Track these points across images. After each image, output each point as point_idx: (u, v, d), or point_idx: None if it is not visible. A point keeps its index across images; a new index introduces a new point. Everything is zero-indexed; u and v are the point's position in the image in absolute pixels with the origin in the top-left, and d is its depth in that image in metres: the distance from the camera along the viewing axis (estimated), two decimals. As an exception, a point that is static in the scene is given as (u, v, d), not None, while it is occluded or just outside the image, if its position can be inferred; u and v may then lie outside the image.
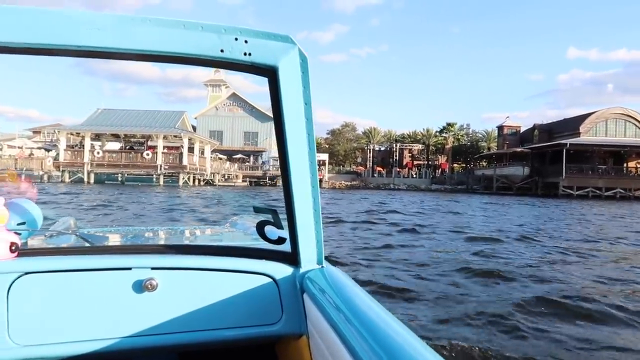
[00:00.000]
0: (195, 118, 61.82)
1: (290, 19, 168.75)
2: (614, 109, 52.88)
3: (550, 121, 61.85)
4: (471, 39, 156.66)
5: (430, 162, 67.90)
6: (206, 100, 64.81)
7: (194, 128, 57.55)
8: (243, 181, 55.64)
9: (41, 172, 41.48)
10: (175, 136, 43.48)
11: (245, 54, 1.22)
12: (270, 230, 1.54)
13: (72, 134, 43.43)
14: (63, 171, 41.16)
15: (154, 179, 42.01)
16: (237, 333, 1.45)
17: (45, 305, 1.31)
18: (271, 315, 1.48)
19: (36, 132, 60.87)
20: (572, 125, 54.48)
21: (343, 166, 67.72)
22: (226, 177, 54.01)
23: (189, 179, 43.00)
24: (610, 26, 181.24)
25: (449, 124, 66.76)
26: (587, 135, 51.65)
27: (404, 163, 67.55)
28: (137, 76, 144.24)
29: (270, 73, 1.27)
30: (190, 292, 1.42)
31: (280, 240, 1.55)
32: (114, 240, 2.24)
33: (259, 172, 58.33)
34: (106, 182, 42.59)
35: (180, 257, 1.49)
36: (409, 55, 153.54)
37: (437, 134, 69.31)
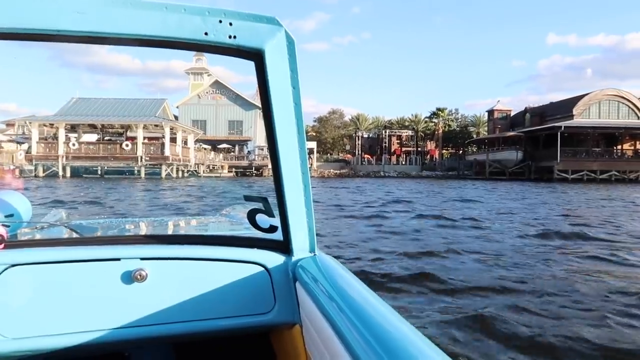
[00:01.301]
0: (177, 107, 58.75)
1: (271, 7, 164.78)
2: (607, 90, 51.41)
3: (533, 105, 60.38)
4: (453, 26, 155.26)
5: (419, 149, 65.99)
6: (188, 90, 61.69)
7: (176, 118, 54.54)
8: (229, 172, 53.18)
9: (12, 167, 38.36)
10: (156, 125, 40.65)
11: (230, 37, 1.16)
12: (261, 218, 1.49)
13: (45, 125, 40.33)
14: (36, 165, 38.20)
15: (135, 171, 39.27)
16: (230, 323, 1.42)
17: (34, 297, 1.28)
18: (264, 305, 1.44)
19: (10, 124, 57.25)
20: (564, 107, 52.93)
21: (331, 154, 65.35)
22: (211, 168, 51.44)
23: (172, 170, 40.31)
24: (588, 12, 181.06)
25: (439, 109, 64.63)
26: (581, 118, 50.18)
27: (392, 150, 65.59)
28: (117, 67, 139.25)
29: (256, 57, 1.21)
30: (180, 282, 1.39)
31: (272, 229, 1.51)
32: (104, 231, 2.15)
33: (244, 162, 55.94)
34: (84, 175, 39.91)
35: (170, 247, 1.46)
36: (391, 44, 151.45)
37: (427, 119, 67.23)
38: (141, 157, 38.38)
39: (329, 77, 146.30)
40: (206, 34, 1.15)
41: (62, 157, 37.85)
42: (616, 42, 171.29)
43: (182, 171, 43.12)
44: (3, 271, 1.27)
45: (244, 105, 59.43)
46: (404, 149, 66.59)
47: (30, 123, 39.24)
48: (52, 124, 39.66)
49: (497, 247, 7.42)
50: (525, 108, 60.52)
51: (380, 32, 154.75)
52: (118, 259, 1.36)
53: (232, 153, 57.95)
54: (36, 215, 1.80)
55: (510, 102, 58.06)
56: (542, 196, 21.28)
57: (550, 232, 9.06)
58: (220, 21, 1.16)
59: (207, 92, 59.58)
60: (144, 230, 2.45)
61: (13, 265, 1.28)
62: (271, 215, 1.49)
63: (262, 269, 1.45)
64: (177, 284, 1.39)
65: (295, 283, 1.40)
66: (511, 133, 54.62)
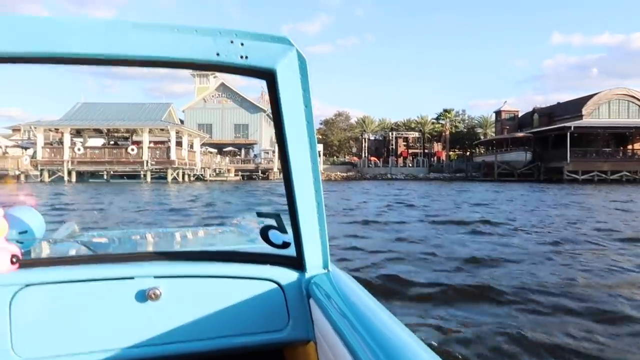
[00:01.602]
0: (183, 111, 58.37)
1: (276, 11, 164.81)
2: (617, 90, 50.50)
3: (541, 106, 59.52)
4: (456, 26, 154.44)
5: (426, 151, 65.23)
6: (194, 94, 61.29)
7: (182, 122, 54.11)
8: (235, 175, 52.65)
9: (17, 172, 38.03)
10: (161, 129, 40.25)
11: (241, 57, 1.18)
12: (274, 234, 1.49)
13: (50, 130, 40.00)
14: (42, 170, 37.83)
15: (141, 176, 38.82)
16: (244, 340, 1.42)
17: (48, 317, 1.29)
18: (277, 322, 1.44)
19: (15, 130, 57.00)
20: (573, 107, 52.05)
21: (337, 157, 64.67)
22: (217, 172, 50.92)
23: (178, 174, 39.81)
24: (592, 11, 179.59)
25: (445, 110, 63.96)
26: (590, 118, 49.30)
27: (399, 152, 64.87)
28: (123, 72, 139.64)
29: (268, 76, 1.22)
30: (194, 300, 1.40)
31: (285, 245, 1.50)
32: (116, 246, 2.15)
33: (251, 166, 55.47)
34: (90, 180, 39.54)
35: (184, 264, 1.46)
36: (394, 45, 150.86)
37: (434, 121, 66.46)
38: (147, 162, 37.94)
39: (334, 79, 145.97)
40: (218, 54, 1.16)
41: (68, 162, 37.47)
42: (621, 41, 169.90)
43: (188, 175, 42.62)
44: (18, 291, 1.28)
45: (249, 109, 58.98)
46: (410, 150, 65.83)
47: (35, 128, 38.95)
48: (58, 129, 39.33)
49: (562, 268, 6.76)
50: (534, 108, 59.68)
51: (383, 34, 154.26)
52: (132, 278, 1.36)
53: (238, 156, 57.47)
54: (48, 226, 1.74)
55: (515, 103, 57.50)
56: (566, 198, 20.55)
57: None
58: (232, 42, 1.16)
59: (213, 96, 59.17)
60: (156, 244, 2.42)
61: (27, 285, 1.29)
62: (284, 231, 1.47)
63: (276, 285, 1.44)
64: (191, 302, 1.39)
65: (309, 300, 1.39)
66: (520, 134, 53.78)
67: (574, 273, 5.74)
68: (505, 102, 62.31)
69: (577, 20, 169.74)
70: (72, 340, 1.30)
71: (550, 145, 48.39)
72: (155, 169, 38.58)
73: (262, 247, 1.58)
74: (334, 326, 1.14)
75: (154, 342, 1.34)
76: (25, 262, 1.37)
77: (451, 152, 64.79)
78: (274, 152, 56.85)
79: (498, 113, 62.48)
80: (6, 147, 42.54)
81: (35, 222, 1.66)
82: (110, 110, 43.03)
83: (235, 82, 58.56)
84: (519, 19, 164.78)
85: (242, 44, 1.17)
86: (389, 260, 6.47)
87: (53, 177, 37.79)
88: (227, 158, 55.23)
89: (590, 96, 50.92)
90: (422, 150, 64.68)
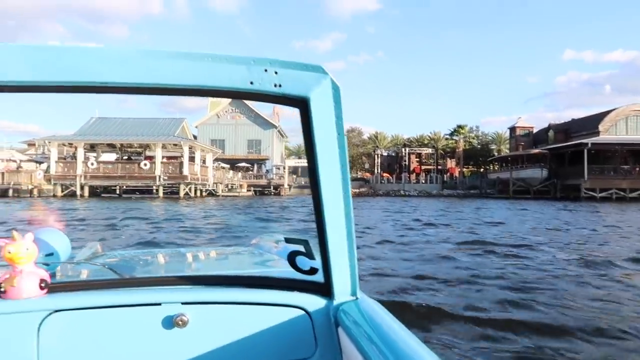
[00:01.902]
0: (196, 127, 58.37)
1: (287, 28, 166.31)
2: (634, 106, 49.47)
3: (556, 122, 58.52)
4: (467, 43, 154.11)
5: (439, 167, 64.39)
6: (206, 109, 61.35)
7: (195, 137, 53.99)
8: (247, 190, 52.24)
9: (30, 187, 37.88)
10: (174, 145, 39.99)
11: (275, 85, 1.18)
12: (301, 260, 1.46)
13: (64, 144, 39.96)
14: (55, 184, 37.68)
15: (154, 191, 38.49)
16: None
17: (75, 343, 1.29)
18: (305, 350, 1.42)
19: (31, 144, 57.20)
20: (590, 124, 51.05)
21: (351, 172, 63.96)
22: (230, 187, 50.55)
23: (190, 189, 39.42)
24: (604, 28, 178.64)
25: (459, 126, 63.21)
26: (607, 134, 48.24)
27: (412, 168, 64.12)
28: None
29: (301, 104, 1.22)
30: (221, 327, 1.39)
31: (313, 271, 1.46)
32: (141, 268, 2.14)
33: (263, 181, 55.09)
34: (102, 195, 39.30)
35: (211, 289, 1.45)
36: (405, 62, 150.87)
37: (448, 137, 65.71)
38: (159, 177, 37.63)
39: (346, 95, 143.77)
40: (252, 83, 1.17)
41: (81, 176, 37.29)
42: (634, 58, 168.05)
43: (201, 190, 42.24)
44: (46, 317, 1.28)
45: (262, 125, 58.83)
46: (423, 167, 65.11)
47: (49, 142, 38.91)
48: (72, 144, 39.27)
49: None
50: (549, 125, 58.72)
51: (394, 51, 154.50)
52: (159, 304, 1.35)
53: (250, 172, 57.15)
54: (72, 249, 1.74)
55: (527, 119, 56.28)
56: (597, 218, 19.67)
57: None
58: (266, 70, 1.17)
59: (226, 112, 59.16)
60: (181, 266, 2.43)
61: (56, 311, 1.29)
62: (312, 257, 1.44)
63: (303, 312, 1.42)
64: (218, 329, 1.38)
65: (337, 328, 1.37)
66: (535, 150, 52.77)
67: None
68: (520, 118, 61.45)
69: (589, 37, 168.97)
70: None
71: (567, 162, 47.34)
72: (168, 184, 38.25)
73: (288, 272, 1.54)
74: (365, 355, 1.12)
75: None
76: (53, 286, 1.36)
77: (464, 169, 63.91)
78: (284, 168, 56.55)
79: (512, 129, 61.58)
80: (20, 161, 42.47)
81: (61, 244, 1.66)
82: (124, 125, 43.02)
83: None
84: (529, 36, 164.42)
85: (275, 72, 1.17)
86: (419, 286, 5.81)
87: (66, 191, 37.61)
88: (240, 173, 54.92)
89: (607, 112, 49.95)
90: (435, 167, 63.86)
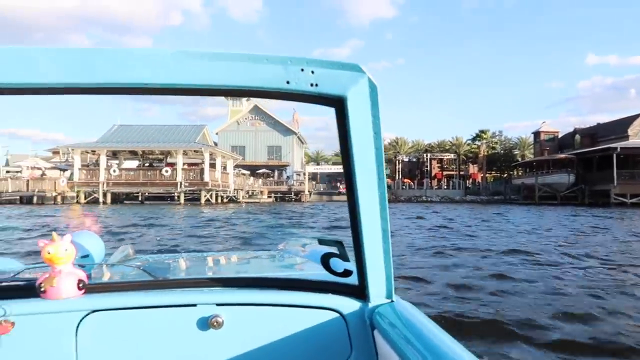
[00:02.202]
0: (217, 133, 58.31)
1: (306, 36, 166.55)
2: (665, 109, 47.68)
3: (581, 127, 56.80)
4: (488, 49, 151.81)
5: (462, 172, 63.15)
6: (226, 116, 61.29)
7: (215, 144, 53.92)
8: (268, 197, 51.87)
9: (54, 194, 38.05)
10: (195, 151, 39.82)
11: (311, 84, 1.17)
12: (335, 262, 1.45)
13: (87, 152, 40.13)
14: (78, 191, 37.79)
15: (175, 197, 38.33)
16: None
17: (112, 343, 1.30)
18: (340, 353, 1.39)
19: (55, 152, 57.78)
20: (619, 128, 49.36)
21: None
22: (250, 193, 50.24)
23: (211, 196, 39.15)
24: (628, 31, 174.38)
25: (481, 131, 61.81)
26: (637, 138, 46.54)
27: (433, 174, 63.05)
28: (159, 96, 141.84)
29: (337, 103, 1.21)
30: (256, 328, 1.38)
31: (347, 273, 1.45)
32: (174, 271, 2.15)
33: (284, 187, 54.70)
34: (125, 201, 39.32)
35: (245, 291, 1.46)
36: (425, 68, 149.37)
37: (470, 142, 64.42)
38: (181, 183, 37.45)
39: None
40: (288, 82, 1.16)
41: (103, 183, 37.33)
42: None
43: (222, 197, 41.97)
44: (85, 317, 1.29)
45: (282, 131, 58.52)
46: (445, 172, 63.97)
47: (73, 150, 39.13)
48: (94, 151, 39.41)
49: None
50: (575, 129, 57.03)
51: (413, 58, 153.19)
52: (194, 305, 1.36)
53: (271, 178, 56.83)
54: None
55: (550, 124, 54.98)
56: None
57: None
58: (302, 69, 1.16)
59: (246, 118, 59.02)
60: (213, 269, 2.40)
61: (94, 311, 1.30)
62: (346, 259, 1.43)
63: (338, 315, 1.40)
64: (253, 331, 1.37)
65: (373, 331, 1.34)
66: (561, 155, 51.20)
67: None
68: (544, 122, 59.98)
69: (612, 41, 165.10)
70: None
71: (595, 167, 45.72)
72: (189, 190, 38.04)
73: (321, 275, 1.53)
74: (402, 357, 1.10)
75: None
76: (90, 287, 1.37)
77: (487, 174, 62.55)
78: (305, 174, 56.13)
79: (536, 134, 60.05)
80: (45, 168, 42.79)
81: (96, 247, 1.70)
82: (146, 132, 43.09)
83: (268, 104, 58.43)
84: (551, 41, 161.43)
85: (312, 72, 1.16)
86: (464, 297, 5.11)
87: (89, 198, 37.69)
88: (260, 180, 54.62)
89: (637, 116, 48.21)
90: (457, 172, 62.68)
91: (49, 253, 1.29)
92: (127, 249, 2.47)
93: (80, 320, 1.29)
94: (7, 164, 49.64)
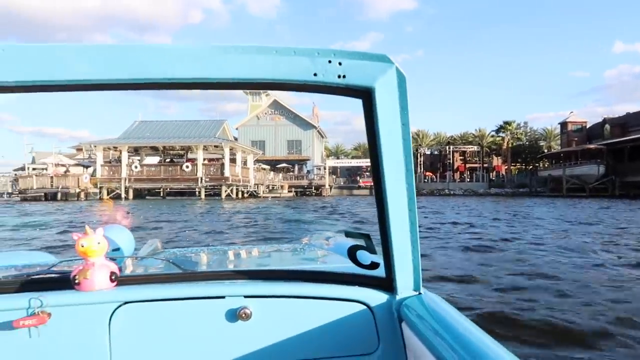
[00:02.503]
0: (237, 128, 58.06)
1: (326, 31, 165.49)
2: (701, 96, 45.50)
3: (610, 116, 54.68)
4: (510, 40, 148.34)
5: (486, 165, 61.59)
6: (246, 112, 60.95)
7: (235, 139, 53.66)
8: (289, 191, 51.47)
9: (77, 190, 38.23)
10: (215, 146, 39.50)
11: (339, 76, 1.16)
12: (362, 254, 1.44)
13: (109, 148, 40.22)
14: (101, 188, 37.91)
15: (196, 192, 38.12)
16: None
17: (144, 333, 1.32)
18: (367, 345, 1.38)
19: (79, 149, 58.42)
20: (651, 116, 47.41)
21: (392, 172, 61.97)
22: (271, 188, 49.87)
23: (232, 191, 38.83)
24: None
25: (506, 122, 60.13)
26: (671, 127, 44.60)
27: (455, 166, 61.72)
28: (179, 93, 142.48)
29: (365, 94, 1.21)
30: (284, 320, 1.38)
31: (374, 266, 1.43)
32: (203, 265, 2.16)
33: (304, 182, 54.26)
34: (147, 197, 39.32)
35: (272, 284, 1.45)
36: (446, 60, 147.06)
37: (494, 134, 62.74)
38: (201, 178, 37.20)
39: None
40: (315, 74, 1.16)
41: (125, 179, 37.33)
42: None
43: (242, 192, 41.64)
44: (117, 308, 1.31)
45: (302, 125, 57.94)
46: (467, 165, 62.55)
47: (95, 147, 39.22)
48: (116, 147, 39.45)
49: None
50: (604, 119, 55.03)
51: (433, 50, 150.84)
52: (223, 297, 1.37)
53: (291, 173, 56.36)
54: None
55: (577, 115, 52.72)
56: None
57: None
58: (330, 61, 1.16)
59: (265, 113, 58.62)
60: (239, 262, 2.42)
61: (126, 303, 1.32)
62: (373, 252, 1.41)
63: (365, 307, 1.39)
64: (281, 323, 1.38)
65: (401, 323, 1.34)
66: (591, 146, 49.37)
67: None
68: (572, 112, 58.02)
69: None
70: (166, 358, 1.31)
71: (627, 158, 43.97)
72: (210, 185, 37.79)
73: (348, 267, 1.52)
74: (431, 350, 1.08)
75: None
76: (122, 279, 1.39)
77: (511, 167, 60.93)
78: (325, 168, 55.52)
79: (564, 124, 58.14)
80: (68, 165, 43.06)
81: (126, 240, 1.74)
82: (166, 127, 42.94)
83: (288, 99, 57.92)
84: (575, 30, 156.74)
85: (340, 63, 1.16)
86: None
87: (111, 194, 37.75)
88: (280, 174, 54.21)
89: (670, 104, 46.18)
90: (480, 165, 61.20)
91: (82, 246, 1.31)
92: (155, 243, 2.51)
93: (113, 312, 1.31)
94: (33, 162, 50.17)
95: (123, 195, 36.88)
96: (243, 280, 1.47)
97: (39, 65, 1.08)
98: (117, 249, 1.62)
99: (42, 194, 37.88)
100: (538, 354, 3.40)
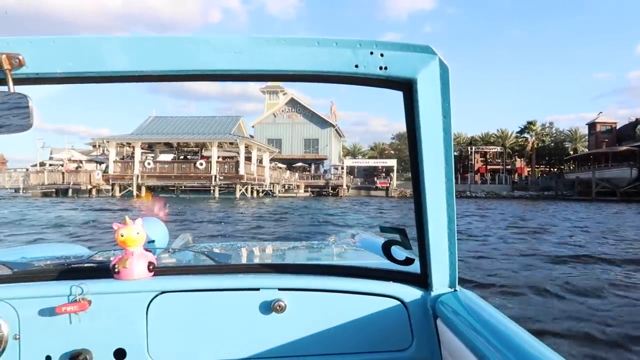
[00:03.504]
0: (253, 126, 56.40)
1: (345, 31, 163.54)
2: None
3: (632, 118, 51.69)
4: (531, 40, 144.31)
5: (508, 167, 58.96)
6: (263, 110, 59.25)
7: (252, 137, 52.07)
8: (305, 191, 49.62)
9: (89, 186, 36.89)
10: (230, 143, 37.82)
11: (380, 68, 1.15)
12: (396, 250, 1.43)
13: (123, 144, 38.85)
14: (113, 184, 36.54)
15: (211, 191, 36.45)
16: (366, 358, 1.37)
17: (180, 324, 1.34)
18: (401, 341, 1.37)
19: (95, 146, 57.59)
20: (687, 117, 44.48)
21: (412, 173, 59.68)
22: (287, 188, 48.10)
23: (246, 190, 37.12)
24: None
25: (530, 123, 57.43)
26: None
27: (476, 168, 59.23)
28: (198, 92, 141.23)
29: (406, 86, 1.19)
30: (317, 314, 1.38)
31: (408, 261, 1.43)
32: (236, 258, 2.20)
33: (321, 182, 52.33)
34: (160, 195, 37.84)
35: (306, 277, 1.44)
36: (465, 60, 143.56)
37: (518, 134, 60.05)
38: (215, 176, 35.58)
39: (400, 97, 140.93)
40: (356, 66, 1.14)
41: (138, 176, 35.90)
42: None
43: (257, 191, 39.93)
44: (154, 297, 1.32)
45: (319, 124, 56.08)
46: (489, 167, 60.01)
47: (108, 142, 37.83)
48: (130, 143, 38.06)
49: None
50: (636, 119, 52.06)
51: (452, 50, 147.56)
52: (257, 289, 1.37)
53: (307, 172, 54.55)
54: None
55: (605, 115, 50.09)
56: None
57: None
58: (372, 53, 1.14)
59: (282, 111, 56.89)
60: (273, 256, 2.42)
61: (162, 292, 1.33)
62: (408, 247, 1.40)
63: (399, 303, 1.38)
64: (314, 316, 1.37)
65: (436, 320, 1.31)
66: (622, 147, 46.58)
67: None
68: (600, 113, 55.22)
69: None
70: (202, 347, 1.32)
71: (662, 160, 41.25)
72: (224, 184, 36.15)
73: (381, 263, 1.51)
74: (470, 347, 1.04)
75: (278, 354, 1.33)
76: (159, 269, 1.41)
77: (535, 169, 58.24)
78: (343, 168, 53.61)
79: (592, 125, 55.29)
80: (82, 161, 41.85)
81: (161, 233, 1.81)
82: (181, 123, 41.41)
83: (304, 97, 56.12)
84: (597, 31, 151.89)
85: (381, 55, 1.13)
86: None
87: (124, 191, 36.40)
88: (297, 174, 52.42)
89: None
90: (502, 166, 58.60)
91: (122, 236, 1.34)
92: (187, 237, 2.61)
93: (151, 300, 1.32)
94: (51, 157, 49.11)
95: (135, 193, 35.45)
96: (277, 274, 1.46)
97: (86, 57, 1.08)
98: (153, 241, 1.63)
99: (53, 189, 36.66)
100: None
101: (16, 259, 1.69)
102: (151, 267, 1.38)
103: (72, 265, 1.46)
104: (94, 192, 36.77)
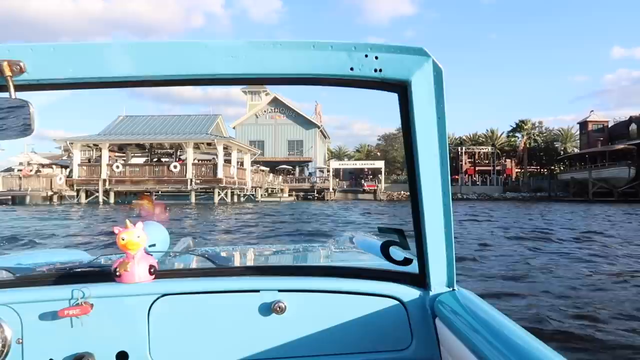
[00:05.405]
0: (234, 128, 52.61)
1: (328, 36, 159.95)
2: None
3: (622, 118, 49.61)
4: (510, 44, 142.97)
5: (498, 168, 56.25)
6: (245, 112, 55.46)
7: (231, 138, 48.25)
8: (289, 195, 46.09)
9: (50, 193, 32.77)
10: (208, 144, 34.04)
11: (375, 70, 1.14)
12: (395, 250, 1.42)
13: (89, 146, 34.78)
14: (78, 190, 32.47)
15: (188, 197, 32.59)
16: (366, 358, 1.36)
17: (181, 326, 1.34)
18: (400, 341, 1.37)
19: (66, 150, 53.15)
20: (685, 114, 42.25)
21: (399, 174, 56.62)
22: (270, 192, 44.48)
23: (226, 194, 33.40)
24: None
25: (522, 122, 54.84)
26: None
27: (464, 169, 56.45)
28: (180, 97, 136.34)
29: (400, 88, 1.19)
30: (317, 315, 1.37)
31: (407, 262, 1.41)
32: (237, 260, 2.21)
33: (306, 185, 48.92)
34: (133, 201, 33.85)
35: (306, 279, 1.44)
36: (447, 64, 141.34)
37: (509, 134, 57.41)
38: (191, 180, 31.81)
39: (384, 100, 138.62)
40: (352, 69, 1.14)
41: (105, 181, 31.94)
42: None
43: (238, 195, 36.22)
44: (156, 300, 1.32)
45: (304, 124, 52.63)
46: (478, 168, 57.27)
47: (72, 144, 33.63)
48: (97, 145, 34.01)
49: None
50: (630, 117, 49.78)
51: (435, 53, 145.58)
52: (257, 291, 1.36)
53: (291, 175, 51.01)
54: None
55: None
56: None
57: None
58: (366, 55, 1.14)
59: (265, 111, 53.28)
60: (272, 259, 2.43)
61: (164, 295, 1.33)
62: (406, 248, 1.38)
63: (398, 303, 1.37)
64: (314, 317, 1.37)
65: (435, 319, 1.31)
66: (619, 146, 44.11)
67: None
68: (592, 112, 52.94)
69: (638, 34, 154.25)
70: (202, 349, 1.32)
71: (660, 159, 38.84)
72: (201, 188, 32.39)
73: (379, 263, 1.52)
74: (468, 346, 1.03)
75: (279, 355, 1.33)
76: (160, 272, 1.41)
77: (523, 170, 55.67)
78: (328, 170, 50.26)
79: (583, 124, 52.96)
80: (39, 164, 37.46)
81: (162, 236, 1.82)
82: (153, 123, 37.37)
83: (288, 97, 52.56)
84: (573, 34, 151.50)
85: (376, 57, 1.13)
86: None
87: (91, 197, 32.38)
88: (280, 177, 48.85)
89: None
90: (492, 167, 55.88)
91: (123, 239, 1.32)
92: (188, 241, 2.61)
93: (152, 303, 1.32)
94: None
95: (101, 199, 31.44)
96: (277, 275, 1.46)
97: (86, 63, 1.08)
98: (154, 245, 1.62)
99: (9, 197, 32.43)
100: None
101: (18, 265, 1.66)
102: (152, 270, 1.37)
103: (74, 270, 1.44)
104: (55, 198, 32.65)
